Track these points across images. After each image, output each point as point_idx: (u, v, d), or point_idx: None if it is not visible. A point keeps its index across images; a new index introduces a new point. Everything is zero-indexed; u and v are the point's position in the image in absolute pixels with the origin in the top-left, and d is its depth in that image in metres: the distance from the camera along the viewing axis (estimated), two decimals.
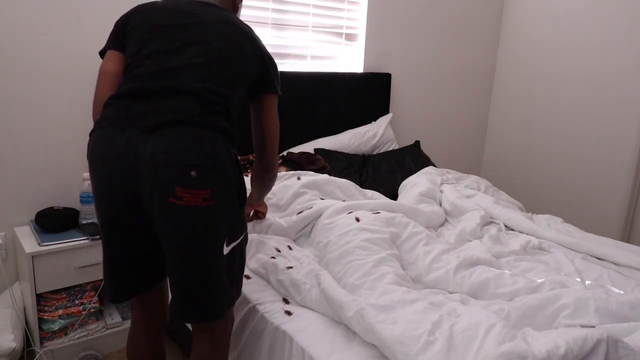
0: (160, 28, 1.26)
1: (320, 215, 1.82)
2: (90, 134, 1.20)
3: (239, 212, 1.23)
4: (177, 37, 1.24)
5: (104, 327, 1.99)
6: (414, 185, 2.33)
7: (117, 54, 1.31)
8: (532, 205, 3.40)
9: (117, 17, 1.43)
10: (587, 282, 1.62)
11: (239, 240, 1.24)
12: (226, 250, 1.19)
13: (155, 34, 1.25)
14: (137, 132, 1.11)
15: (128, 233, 1.21)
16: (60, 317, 1.87)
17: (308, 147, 2.63)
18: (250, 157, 2.35)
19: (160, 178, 1.09)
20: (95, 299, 1.93)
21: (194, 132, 1.12)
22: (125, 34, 1.30)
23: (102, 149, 1.14)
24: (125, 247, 1.22)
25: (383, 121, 2.96)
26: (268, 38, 2.54)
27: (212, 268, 1.17)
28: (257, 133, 1.42)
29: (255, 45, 1.32)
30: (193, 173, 1.08)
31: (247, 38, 1.30)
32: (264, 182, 1.52)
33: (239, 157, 1.24)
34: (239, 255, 1.26)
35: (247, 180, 2.09)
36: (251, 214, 1.81)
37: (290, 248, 1.71)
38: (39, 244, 1.81)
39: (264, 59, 1.34)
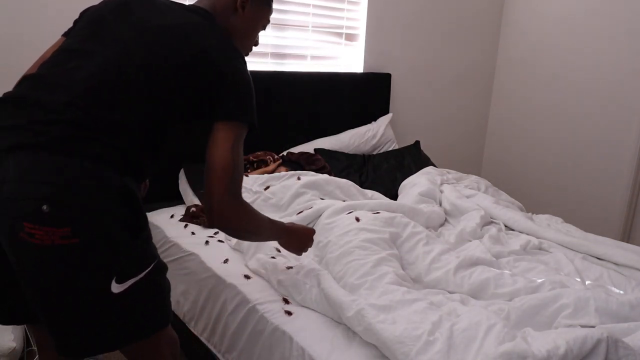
0: (92, 22, 1.13)
1: (320, 215, 1.81)
2: None
3: (131, 247, 1.03)
4: (96, 35, 1.10)
5: None
6: (414, 185, 2.33)
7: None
8: (532, 205, 3.40)
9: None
10: (587, 282, 1.62)
11: (141, 276, 1.03)
12: (118, 288, 1.00)
13: (85, 27, 1.13)
14: None
15: None
16: None
17: (308, 147, 2.63)
18: (251, 157, 2.35)
19: (7, 210, 0.94)
20: None
21: (53, 159, 0.95)
22: (78, 21, 1.20)
23: None
24: None
25: (383, 121, 2.96)
26: (268, 38, 2.54)
27: (86, 309, 0.99)
28: (206, 159, 1.13)
29: (205, 58, 1.11)
30: (44, 207, 0.92)
31: (190, 49, 1.10)
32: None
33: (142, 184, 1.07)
34: (148, 288, 1.07)
35: (247, 179, 2.09)
36: None
37: None
38: None
39: (220, 76, 1.12)
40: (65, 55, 1.09)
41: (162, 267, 1.12)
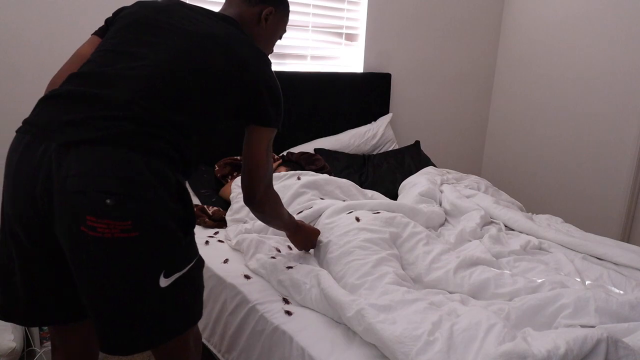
0: (133, 24, 1.17)
1: (320, 215, 1.82)
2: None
3: (182, 242, 1.07)
4: (140, 38, 1.14)
5: None
6: (414, 185, 2.33)
7: (98, 39, 1.23)
8: (532, 205, 3.40)
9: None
10: (587, 282, 1.62)
11: (185, 270, 1.08)
12: (165, 282, 1.03)
13: (125, 29, 1.17)
14: (54, 146, 0.98)
15: (35, 255, 1.05)
16: None
17: (308, 147, 2.63)
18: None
19: (70, 204, 0.96)
20: None
21: (116, 154, 0.98)
22: (112, 22, 1.23)
23: (14, 158, 1.03)
24: (33, 266, 1.07)
25: (383, 121, 2.96)
26: None
27: (136, 303, 1.02)
28: (243, 157, 1.31)
29: (244, 69, 1.19)
30: (108, 201, 0.94)
31: (232, 59, 1.18)
32: (254, 214, 1.40)
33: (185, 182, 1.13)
34: (189, 283, 1.11)
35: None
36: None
37: (290, 248, 1.71)
38: None
39: (257, 85, 1.22)
40: (112, 56, 1.12)
41: (201, 263, 1.17)
